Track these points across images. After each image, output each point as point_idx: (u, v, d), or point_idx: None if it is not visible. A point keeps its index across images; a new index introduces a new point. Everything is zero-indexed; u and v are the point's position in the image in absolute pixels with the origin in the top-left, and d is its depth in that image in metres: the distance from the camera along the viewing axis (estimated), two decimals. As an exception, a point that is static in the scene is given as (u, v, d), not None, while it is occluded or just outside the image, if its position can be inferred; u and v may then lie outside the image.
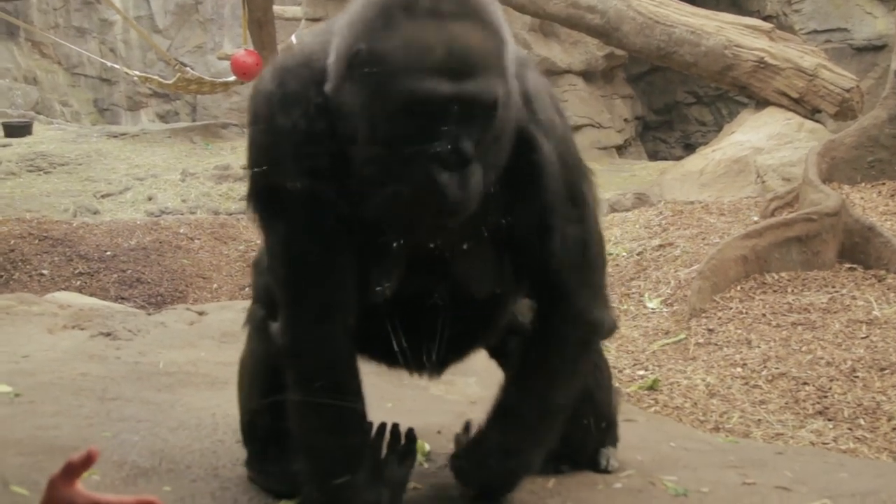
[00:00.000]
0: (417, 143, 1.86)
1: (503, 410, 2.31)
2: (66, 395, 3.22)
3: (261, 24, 12.36)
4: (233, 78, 12.90)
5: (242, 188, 11.57)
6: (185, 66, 13.99)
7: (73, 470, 1.57)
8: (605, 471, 2.55)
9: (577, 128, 12.63)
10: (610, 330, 2.36)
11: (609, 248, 7.47)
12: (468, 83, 1.85)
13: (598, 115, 13.00)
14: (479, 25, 1.90)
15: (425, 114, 1.86)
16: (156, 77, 14.08)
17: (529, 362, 2.30)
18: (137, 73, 14.55)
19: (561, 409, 2.30)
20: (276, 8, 13.09)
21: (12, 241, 7.99)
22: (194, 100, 17.86)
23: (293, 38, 13.54)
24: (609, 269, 6.92)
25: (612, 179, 10.77)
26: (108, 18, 18.36)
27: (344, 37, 1.96)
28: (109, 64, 15.69)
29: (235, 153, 12.53)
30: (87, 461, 1.56)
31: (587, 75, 13.32)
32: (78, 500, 1.57)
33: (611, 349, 5.48)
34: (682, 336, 5.44)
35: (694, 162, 9.13)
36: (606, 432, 2.61)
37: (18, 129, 13.34)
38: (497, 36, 1.94)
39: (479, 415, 2.41)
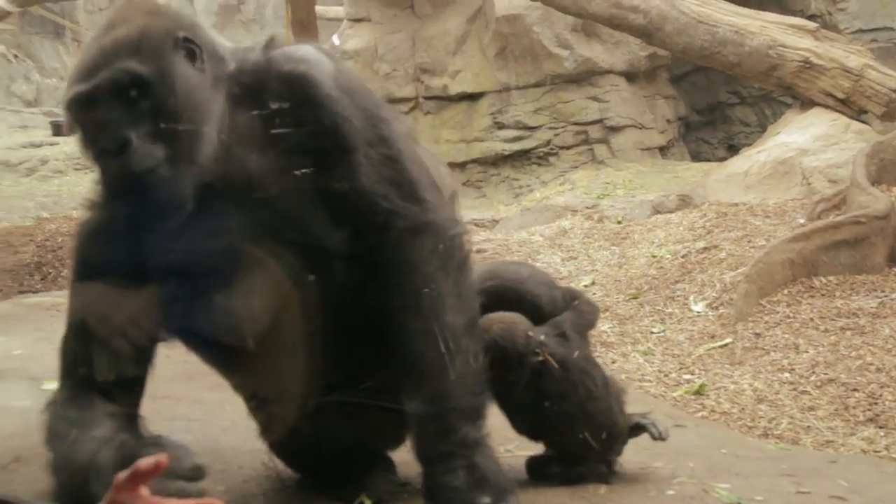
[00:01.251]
0: (86, 142, 2.12)
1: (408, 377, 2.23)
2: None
3: (303, 24, 12.38)
4: (275, 78, 12.94)
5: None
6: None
7: (140, 476, 1.56)
8: (607, 482, 2.48)
9: (619, 129, 12.58)
10: (446, 227, 2.27)
11: (653, 250, 7.44)
12: (99, 76, 2.07)
13: (640, 116, 12.92)
14: (130, 28, 2.13)
15: (76, 114, 2.11)
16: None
17: (395, 306, 2.22)
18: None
19: (459, 334, 2.21)
20: (318, 8, 13.13)
21: (60, 239, 8.08)
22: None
23: (335, 38, 13.60)
24: (653, 272, 6.90)
25: (655, 181, 10.72)
26: (152, 18, 18.56)
27: None
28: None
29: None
30: (156, 469, 1.56)
31: (629, 76, 13.24)
32: None
33: (656, 352, 5.45)
34: (729, 340, 5.40)
35: (738, 163, 9.05)
36: (608, 443, 2.51)
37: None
38: (149, 33, 2.14)
39: None
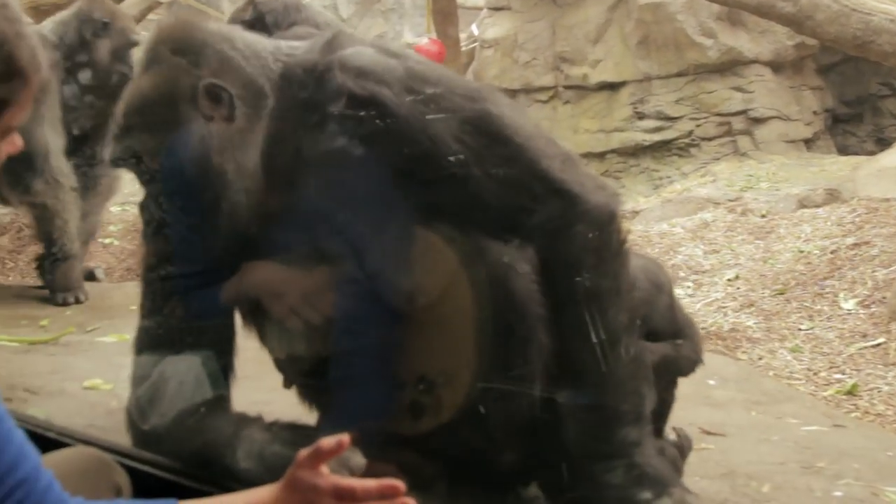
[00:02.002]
0: None
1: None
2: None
3: (445, 13, 12.46)
4: (415, 67, 13.05)
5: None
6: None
7: (321, 455, 1.62)
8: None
9: (763, 120, 12.26)
10: (595, 212, 2.05)
11: (799, 245, 7.25)
12: (120, 143, 2.12)
13: (785, 108, 12.56)
14: (151, 82, 2.11)
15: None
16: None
17: (553, 306, 2.08)
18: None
19: (621, 332, 2.06)
20: (459, -3, 13.20)
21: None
22: (375, 87, 18.18)
23: (474, 28, 13.64)
24: (800, 267, 6.73)
25: (800, 174, 10.42)
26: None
27: None
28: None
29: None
30: (338, 448, 1.61)
31: (775, 65, 12.87)
32: (321, 483, 1.62)
33: (804, 350, 5.32)
34: (882, 340, 5.23)
35: (891, 157, 8.73)
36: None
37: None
38: (167, 92, 2.08)
39: (682, 412, 2.34)
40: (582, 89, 12.52)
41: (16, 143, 1.61)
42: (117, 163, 2.18)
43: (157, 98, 2.07)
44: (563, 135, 12.34)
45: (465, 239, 2.10)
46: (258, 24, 3.43)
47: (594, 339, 2.05)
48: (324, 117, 2.05)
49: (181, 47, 2.09)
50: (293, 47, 2.19)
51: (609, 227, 2.08)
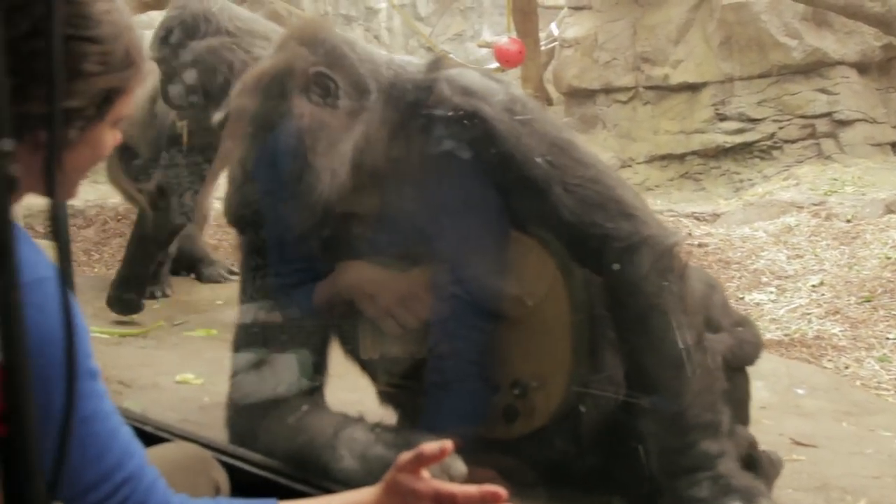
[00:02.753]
0: None
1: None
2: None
3: (524, 12, 12.43)
4: (495, 65, 13.03)
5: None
6: (448, 53, 14.28)
7: (423, 459, 1.62)
8: None
9: (849, 122, 12.02)
10: (661, 239, 2.20)
11: (887, 251, 7.09)
12: (229, 106, 2.28)
13: (871, 110, 12.29)
14: (272, 62, 2.24)
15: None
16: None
17: (623, 326, 2.21)
18: (401, 59, 14.96)
19: (691, 349, 2.14)
20: (540, -4, 13.16)
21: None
22: (453, 86, 18.19)
23: (553, 27, 13.58)
24: (888, 274, 6.58)
25: (887, 178, 10.19)
26: (374, 6, 18.98)
27: None
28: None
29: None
30: (441, 454, 1.61)
31: (861, 67, 12.60)
32: (421, 488, 1.62)
33: (893, 359, 5.21)
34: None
35: (983, 162, 8.50)
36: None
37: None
38: (281, 71, 2.21)
39: (770, 422, 2.32)
40: (663, 90, 12.39)
41: (118, 135, 1.64)
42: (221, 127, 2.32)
43: (273, 76, 2.21)
44: (643, 136, 12.25)
45: (555, 246, 2.24)
46: (170, 35, 3.69)
47: (667, 359, 2.14)
48: (428, 125, 2.21)
49: (305, 39, 2.27)
50: (406, 62, 2.37)
51: (673, 251, 2.22)
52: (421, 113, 2.22)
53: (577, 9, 13.07)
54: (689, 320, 2.18)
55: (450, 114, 2.17)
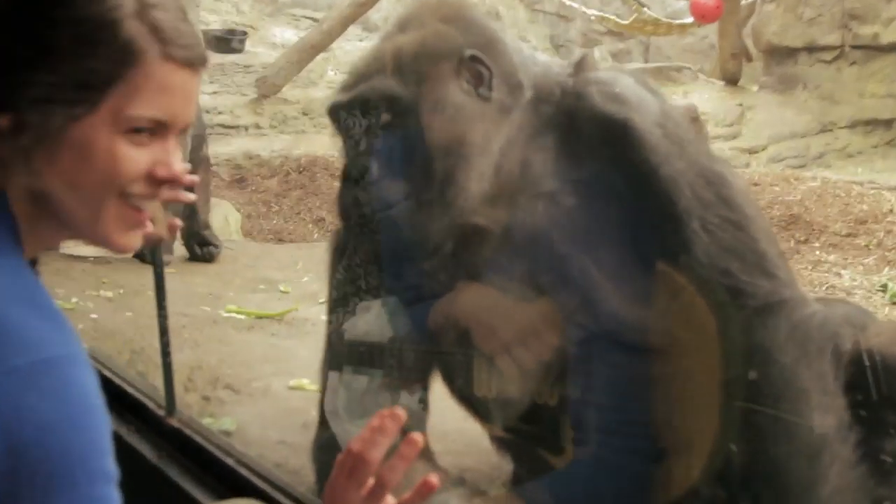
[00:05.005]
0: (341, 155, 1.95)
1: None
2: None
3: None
4: (690, 20, 12.48)
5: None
6: (643, 6, 13.76)
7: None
8: None
9: None
10: (802, 305, 1.90)
11: None
12: (359, 88, 1.90)
13: None
14: (412, 37, 1.92)
15: (331, 122, 1.98)
16: (612, 17, 14.01)
17: (748, 402, 1.86)
18: (595, 11, 14.55)
19: (830, 437, 1.82)
20: (742, -54, 12.46)
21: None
22: (647, 39, 17.61)
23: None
24: None
25: None
26: (571, -45, 18.50)
27: None
28: (568, 2, 15.81)
29: (687, 98, 12.21)
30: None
31: None
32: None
33: None
34: None
35: None
36: None
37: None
38: (428, 48, 1.92)
39: None
40: (871, 49, 11.49)
41: (170, 168, 1.34)
42: (339, 111, 2.00)
43: (414, 55, 1.94)
44: (847, 99, 11.44)
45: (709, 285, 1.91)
46: None
47: (800, 447, 1.83)
48: (569, 134, 1.96)
49: (450, 17, 2.00)
50: (545, 60, 2.13)
51: (815, 320, 1.92)
52: (565, 119, 1.97)
53: (784, -39, 12.27)
54: (831, 402, 1.87)
55: (597, 123, 1.93)
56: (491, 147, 1.92)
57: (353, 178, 1.95)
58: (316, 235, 7.96)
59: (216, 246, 5.15)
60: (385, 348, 2.05)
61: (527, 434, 2.10)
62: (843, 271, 6.64)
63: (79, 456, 1.17)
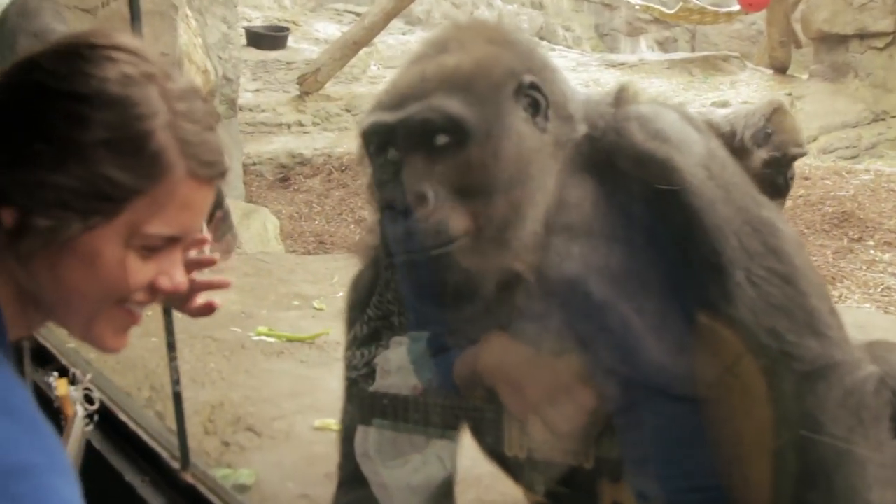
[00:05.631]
0: (374, 184, 1.75)
1: None
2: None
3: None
4: (737, 8, 12.30)
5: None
6: (690, -7, 13.57)
7: None
8: None
9: None
10: (855, 368, 1.72)
11: None
12: (408, 109, 1.67)
13: None
14: (463, 57, 1.71)
15: (368, 146, 1.75)
16: (657, 6, 13.82)
17: (796, 472, 1.70)
18: (640, 1, 14.36)
19: None
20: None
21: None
22: (693, 27, 17.37)
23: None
24: None
25: None
26: (615, -58, 18.28)
27: None
28: (612, -9, 15.66)
29: (735, 88, 12.01)
30: None
31: None
32: None
33: None
34: None
35: None
36: None
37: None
38: (487, 69, 1.71)
39: None
40: (925, 35, 11.24)
41: (174, 279, 1.28)
42: (382, 134, 1.75)
43: (477, 74, 1.73)
44: (898, 90, 11.20)
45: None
46: None
47: None
48: (608, 173, 1.78)
49: (498, 39, 1.82)
50: (584, 91, 1.96)
51: (870, 385, 1.73)
52: (604, 157, 1.79)
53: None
54: (888, 474, 1.71)
55: (636, 161, 1.75)
56: (548, 184, 1.74)
57: (397, 209, 1.70)
58: (357, 237, 7.89)
59: None
60: (411, 397, 1.94)
61: (562, 499, 1.97)
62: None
63: None
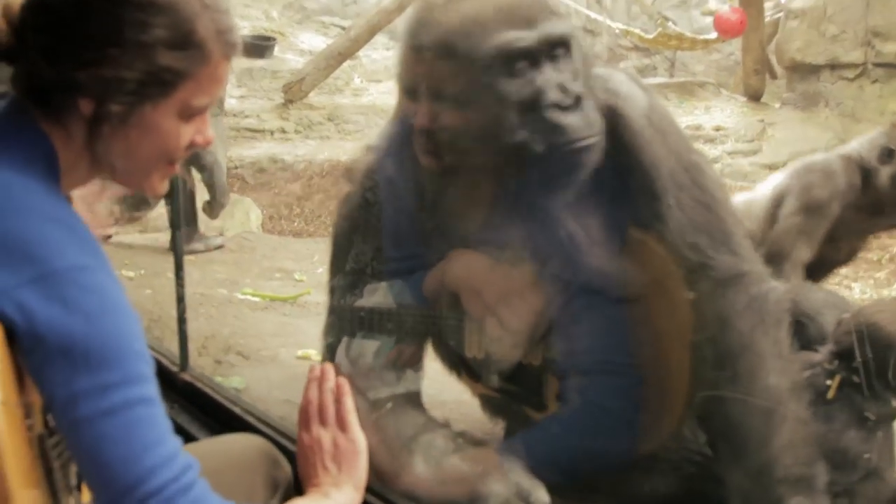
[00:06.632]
0: (524, 96, 1.93)
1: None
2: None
3: (750, -17, 11.92)
4: (714, 35, 12.57)
5: (711, 150, 11.16)
6: (668, 20, 13.85)
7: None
8: None
9: None
10: (761, 279, 2.08)
11: None
12: (545, 26, 1.95)
13: None
14: None
15: (506, 65, 1.93)
16: (637, 31, 14.10)
17: (708, 365, 2.04)
18: (620, 25, 14.65)
19: (784, 397, 2.01)
20: (766, -35, 12.54)
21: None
22: (673, 55, 17.69)
23: (780, -5, 12.92)
24: None
25: None
26: (598, -30, 18.61)
27: None
28: (594, 15, 15.93)
29: (709, 113, 12.29)
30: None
31: None
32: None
33: None
34: None
35: None
36: None
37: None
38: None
39: None
40: (894, 67, 11.53)
41: (206, 135, 1.59)
42: (514, 52, 1.98)
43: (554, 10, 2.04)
44: (869, 117, 11.47)
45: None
46: None
47: (756, 406, 2.00)
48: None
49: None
50: None
51: (772, 294, 2.10)
52: None
53: (804, -23, 12.33)
54: (784, 365, 2.05)
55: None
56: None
57: (561, 104, 1.97)
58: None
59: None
60: (385, 316, 2.18)
61: (513, 394, 2.25)
62: (854, 284, 6.70)
63: (113, 340, 1.38)
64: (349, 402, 1.68)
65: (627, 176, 2.07)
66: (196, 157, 5.16)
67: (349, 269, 2.31)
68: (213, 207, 5.38)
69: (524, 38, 1.95)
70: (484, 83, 1.96)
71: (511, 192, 2.07)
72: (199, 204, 5.43)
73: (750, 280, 2.07)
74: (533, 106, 1.95)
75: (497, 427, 2.38)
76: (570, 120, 1.94)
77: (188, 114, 1.53)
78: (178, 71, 1.49)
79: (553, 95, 1.94)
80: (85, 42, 1.46)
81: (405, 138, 2.14)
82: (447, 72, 1.99)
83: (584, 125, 1.95)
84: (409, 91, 2.08)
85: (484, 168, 2.08)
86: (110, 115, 1.48)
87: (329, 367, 1.70)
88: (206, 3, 1.52)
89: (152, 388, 1.44)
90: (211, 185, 5.32)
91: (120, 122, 1.48)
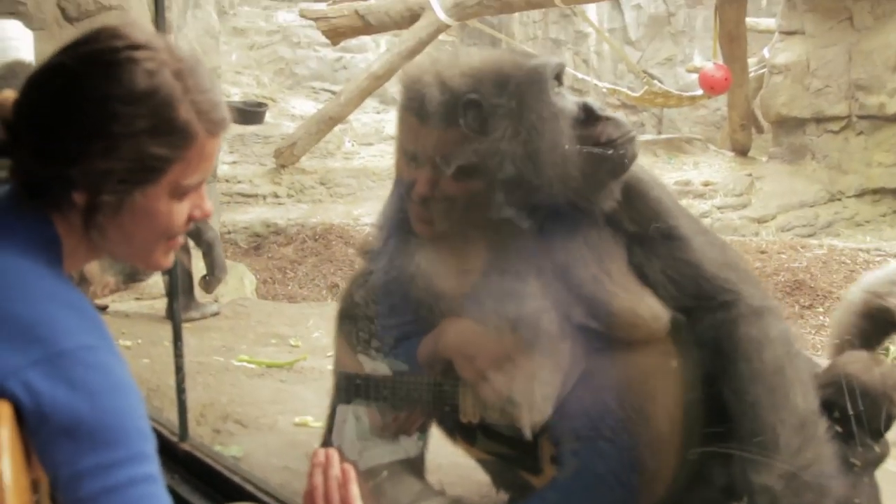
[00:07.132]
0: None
1: None
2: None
3: (732, 37, 12.08)
4: (700, 92, 12.73)
5: (700, 205, 11.19)
6: (654, 78, 14.04)
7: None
8: None
9: None
10: (782, 314, 2.27)
11: None
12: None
13: None
14: None
15: (545, 81, 2.08)
16: (624, 90, 14.29)
17: (744, 383, 2.18)
18: (607, 84, 14.85)
19: (812, 418, 2.18)
20: (749, 20, 12.72)
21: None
22: (661, 112, 17.90)
23: (765, 52, 13.10)
24: None
25: None
26: (583, 30, 18.85)
27: None
28: (580, 75, 16.14)
29: (697, 169, 12.40)
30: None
31: None
32: None
33: None
34: None
35: None
36: None
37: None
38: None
39: None
40: (878, 119, 11.67)
41: (204, 209, 1.64)
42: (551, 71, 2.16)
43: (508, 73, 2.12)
44: (855, 168, 11.61)
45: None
46: None
47: (788, 420, 2.14)
48: None
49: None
50: None
51: (791, 329, 2.28)
52: None
53: (789, 34, 12.51)
54: (807, 391, 2.22)
55: None
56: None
57: (595, 111, 2.14)
58: (329, 300, 8.13)
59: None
60: (387, 386, 2.21)
61: (507, 458, 2.28)
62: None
63: (118, 418, 1.41)
64: (354, 489, 1.67)
65: (644, 225, 2.20)
66: (197, 233, 5.20)
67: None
68: (210, 283, 5.42)
69: (554, 61, 2.17)
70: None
71: (516, 250, 2.14)
72: (196, 278, 5.46)
73: (777, 313, 2.27)
74: (570, 123, 2.11)
75: (496, 492, 2.40)
76: (604, 126, 2.11)
77: (181, 193, 1.58)
78: (164, 156, 1.54)
79: (579, 114, 2.12)
80: (70, 139, 1.51)
81: (400, 207, 2.21)
82: (447, 138, 2.06)
83: (617, 125, 2.11)
84: (409, 158, 2.14)
85: (477, 234, 2.14)
86: (103, 206, 1.53)
87: (333, 453, 1.71)
88: (187, 86, 1.56)
89: (155, 467, 1.47)
90: (210, 261, 5.36)
91: (113, 211, 1.54)
